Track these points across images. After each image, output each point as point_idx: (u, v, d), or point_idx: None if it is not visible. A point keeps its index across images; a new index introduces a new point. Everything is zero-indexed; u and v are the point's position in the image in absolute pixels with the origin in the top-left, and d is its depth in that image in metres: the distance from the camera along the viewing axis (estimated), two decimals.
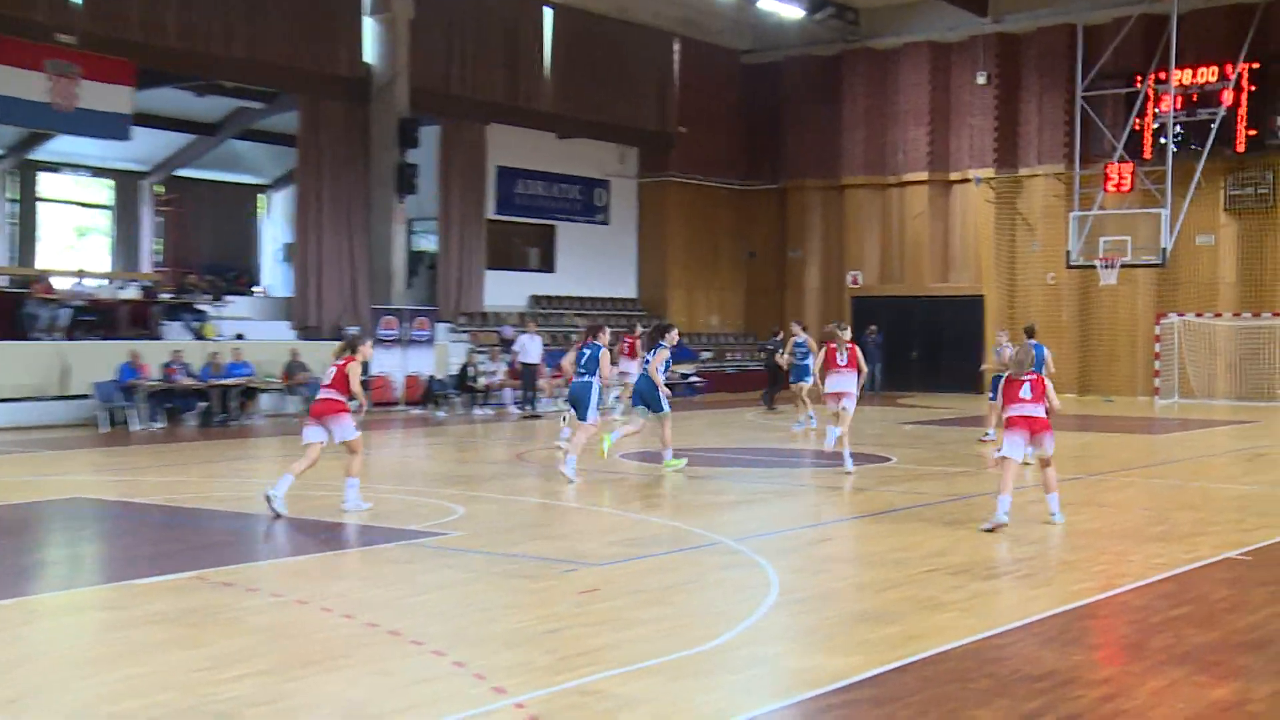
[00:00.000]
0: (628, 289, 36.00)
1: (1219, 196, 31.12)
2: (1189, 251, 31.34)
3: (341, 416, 12.25)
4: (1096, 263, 29.73)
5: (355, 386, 12.33)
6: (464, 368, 27.23)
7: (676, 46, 35.34)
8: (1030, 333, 19.31)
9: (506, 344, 29.04)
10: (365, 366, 13.70)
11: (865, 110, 35.85)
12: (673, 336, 15.95)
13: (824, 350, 16.54)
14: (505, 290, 32.25)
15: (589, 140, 33.73)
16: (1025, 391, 11.81)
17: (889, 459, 17.51)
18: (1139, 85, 30.89)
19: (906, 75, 35.24)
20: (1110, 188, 30.13)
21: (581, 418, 14.87)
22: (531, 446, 19.70)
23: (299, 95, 28.00)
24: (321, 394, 12.39)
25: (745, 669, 6.85)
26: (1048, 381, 12.00)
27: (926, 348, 35.32)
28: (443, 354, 28.52)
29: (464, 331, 30.06)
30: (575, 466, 14.67)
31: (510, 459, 17.67)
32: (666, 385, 15.73)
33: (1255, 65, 30.17)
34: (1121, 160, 30.25)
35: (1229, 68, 30.12)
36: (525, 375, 26.26)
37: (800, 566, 9.78)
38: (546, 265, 34.25)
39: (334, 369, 12.42)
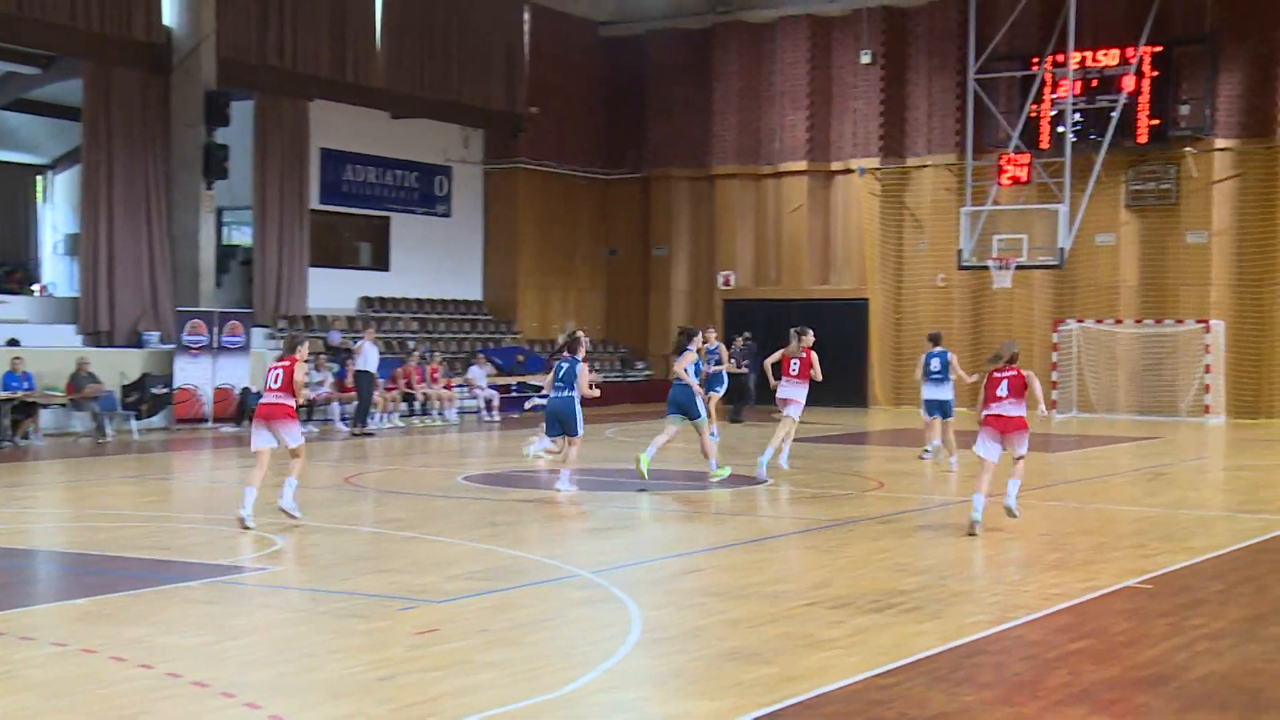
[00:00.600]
0: (472, 290, 35.87)
1: (1120, 192, 32.21)
2: (1088, 252, 32.37)
3: (290, 421, 13.38)
4: (990, 263, 30.47)
5: (299, 390, 13.48)
6: None
7: (526, 15, 35.34)
8: (935, 340, 19.95)
9: (334, 352, 28.68)
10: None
11: (738, 91, 36.31)
12: (698, 340, 17.46)
13: (779, 356, 18.49)
14: (332, 291, 31.86)
15: (428, 121, 33.53)
16: (1003, 389, 13.13)
17: (765, 480, 17.74)
18: (1035, 68, 31.82)
19: (784, 52, 35.77)
20: (1005, 181, 30.80)
21: (573, 433, 16.07)
22: (363, 468, 19.50)
23: (83, 61, 27.24)
24: (268, 397, 13.46)
25: (604, 717, 6.90)
26: (1032, 378, 13.17)
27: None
28: (259, 363, 28.04)
29: (284, 338, 29.56)
30: (570, 479, 16.15)
31: (338, 483, 17.47)
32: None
33: (1158, 49, 31.26)
34: (1017, 151, 31.01)
35: (1130, 51, 31.17)
36: (361, 387, 25.97)
37: (665, 601, 9.86)
38: (379, 263, 33.94)
39: (280, 371, 13.50)
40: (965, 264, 31.22)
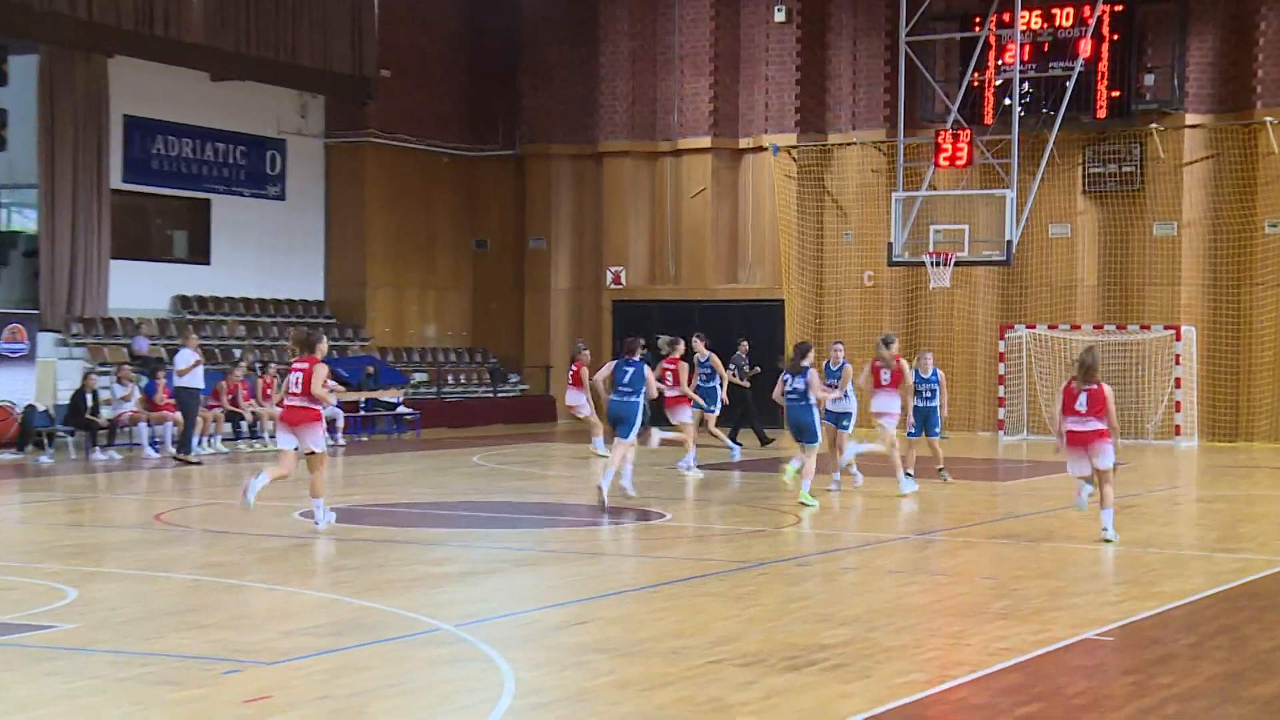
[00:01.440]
0: (312, 288, 35.56)
1: (1076, 175, 32.78)
2: (1040, 246, 32.90)
3: (314, 425, 15.48)
4: (925, 259, 30.72)
5: (320, 390, 15.30)
6: (79, 394, 26.37)
7: None
8: (803, 352, 19.42)
9: (141, 362, 28.23)
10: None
11: (630, 54, 36.41)
12: (812, 356, 19.27)
13: (868, 369, 20.37)
14: (139, 288, 31.40)
15: (257, 85, 33.18)
16: (1081, 404, 15.21)
17: (663, 515, 17.77)
18: (977, 30, 32.17)
19: (684, 8, 35.93)
20: (943, 162, 30.96)
21: (625, 436, 18.34)
22: (178, 502, 19.22)
23: None
24: (290, 401, 15.50)
25: None
26: (1108, 391, 15.33)
27: (711, 369, 35.90)
28: (47, 375, 27.52)
29: (79, 344, 29.11)
30: (632, 479, 18.75)
31: (147, 521, 17.20)
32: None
33: (1119, 8, 31.81)
34: (957, 127, 31.23)
35: (1087, 10, 31.61)
36: (184, 405, 25.41)
37: (544, 659, 9.84)
38: (198, 255, 33.53)
39: (300, 374, 15.39)
40: (897, 259, 31.42)
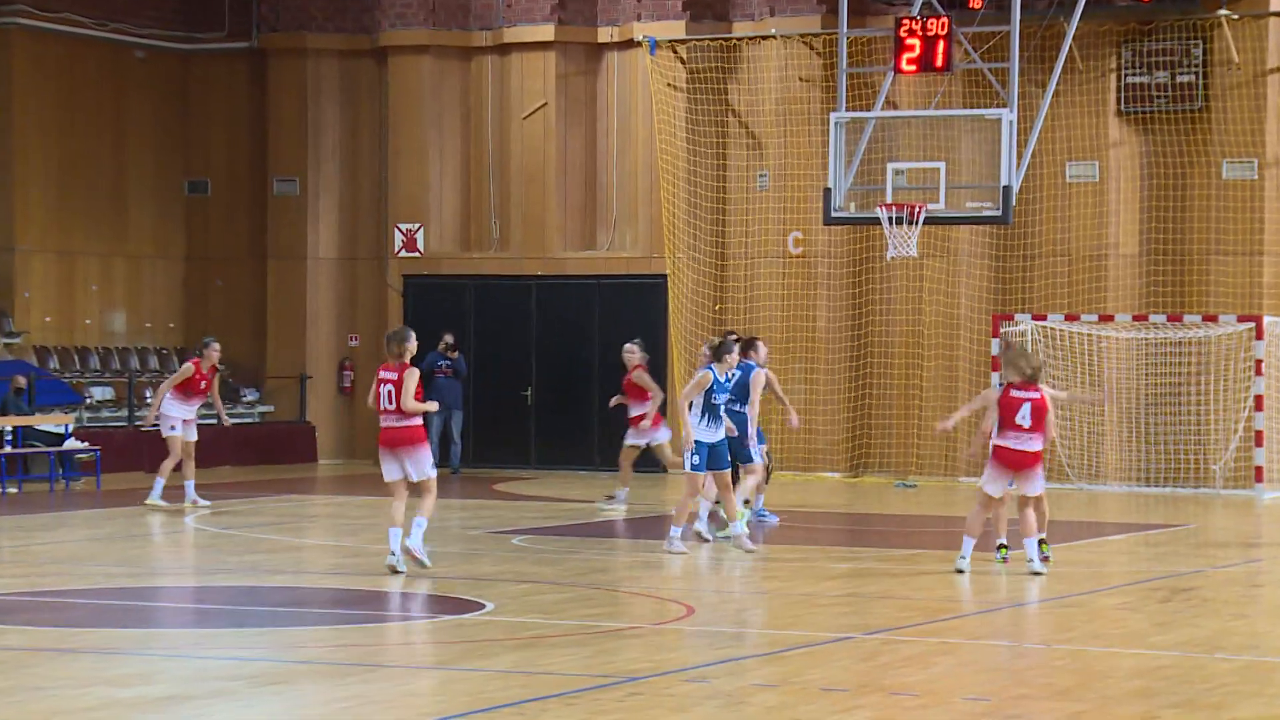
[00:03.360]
0: None
1: (1108, 89, 32.91)
2: (1055, 195, 33.01)
3: (419, 448, 18.94)
4: (880, 214, 30.64)
5: (411, 403, 18.73)
6: None
7: None
8: (718, 352, 19.90)
9: None
10: None
11: None
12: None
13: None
14: None
15: None
16: (1024, 417, 17.66)
17: (482, 605, 17.66)
18: None
19: None
20: (907, 66, 31.03)
21: (747, 459, 22.85)
22: None
23: None
24: (386, 421, 18.81)
25: None
26: (1050, 399, 17.20)
27: (555, 379, 36.02)
28: None
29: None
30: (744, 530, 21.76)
31: None
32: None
33: None
34: (928, 14, 31.25)
35: None
36: None
37: None
38: None
39: (391, 384, 18.74)
40: (838, 215, 31.38)
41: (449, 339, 33.93)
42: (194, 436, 27.03)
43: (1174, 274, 32.74)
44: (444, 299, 35.79)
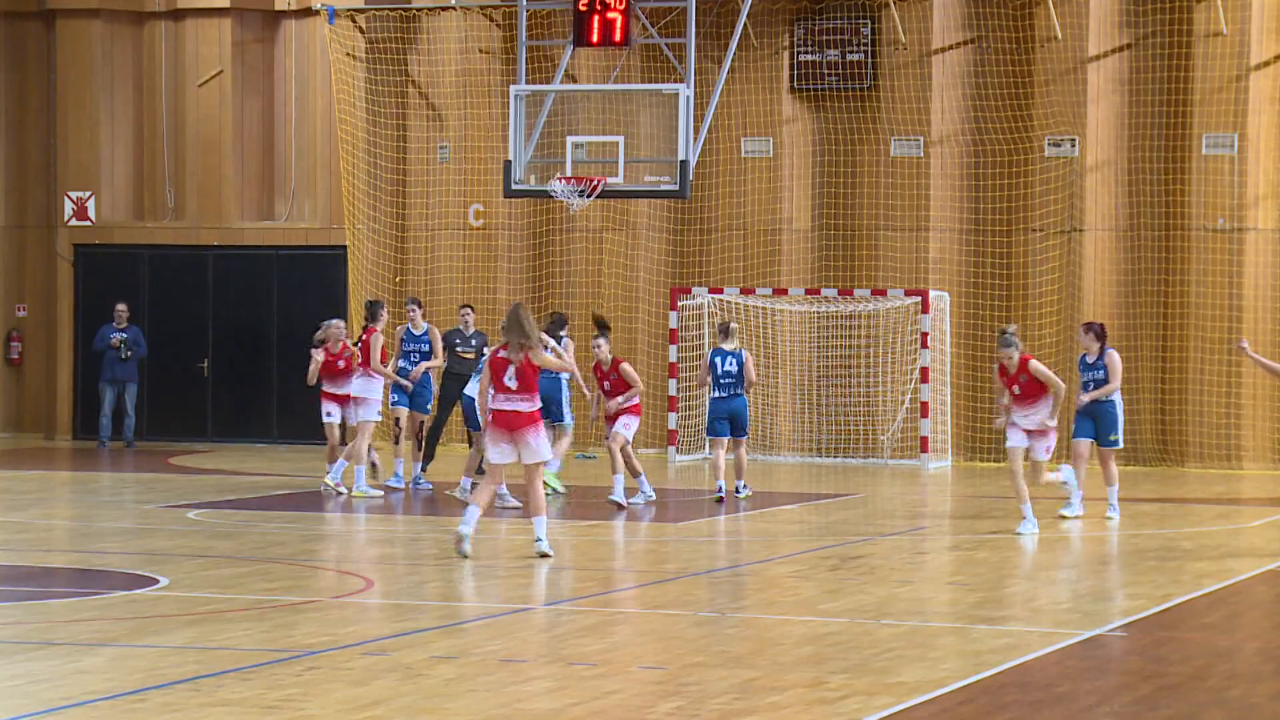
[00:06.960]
0: None
1: (781, 66, 33.53)
2: (731, 169, 33.59)
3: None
4: (557, 186, 30.57)
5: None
6: None
7: None
8: (562, 324, 20.99)
9: None
10: None
11: None
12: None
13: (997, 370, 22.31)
14: None
15: None
16: (510, 378, 18.37)
17: (156, 580, 17.63)
18: None
19: None
20: (585, 39, 30.96)
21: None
22: None
23: None
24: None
25: None
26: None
27: (232, 351, 36.01)
28: None
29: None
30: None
31: None
32: None
33: None
34: None
35: None
36: None
37: None
38: None
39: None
40: (518, 187, 31.36)
41: (122, 308, 33.68)
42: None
43: (845, 249, 33.49)
44: (117, 269, 35.47)
